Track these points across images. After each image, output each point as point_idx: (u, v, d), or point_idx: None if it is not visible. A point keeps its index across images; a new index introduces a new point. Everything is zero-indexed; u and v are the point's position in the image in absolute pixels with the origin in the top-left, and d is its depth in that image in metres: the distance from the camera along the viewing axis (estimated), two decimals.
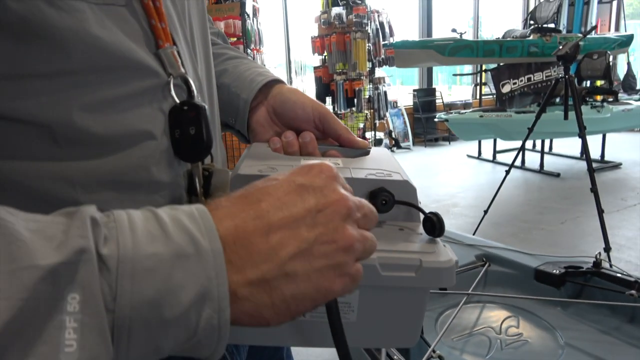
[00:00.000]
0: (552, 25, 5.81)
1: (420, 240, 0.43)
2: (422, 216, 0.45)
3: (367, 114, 4.92)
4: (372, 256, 0.36)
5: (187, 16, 0.45)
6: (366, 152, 0.55)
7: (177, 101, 0.40)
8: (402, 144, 7.40)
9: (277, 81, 0.59)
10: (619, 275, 1.06)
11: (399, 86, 9.14)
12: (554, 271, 1.10)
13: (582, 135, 2.65)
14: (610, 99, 5.36)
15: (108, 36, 0.35)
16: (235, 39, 4.24)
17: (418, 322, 0.44)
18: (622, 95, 5.99)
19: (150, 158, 0.39)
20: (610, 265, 2.59)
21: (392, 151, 6.88)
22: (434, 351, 0.86)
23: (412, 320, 0.43)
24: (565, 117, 2.90)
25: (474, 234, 3.18)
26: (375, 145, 5.25)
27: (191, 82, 0.41)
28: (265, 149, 0.53)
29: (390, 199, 0.44)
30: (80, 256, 0.24)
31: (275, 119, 0.57)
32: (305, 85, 5.73)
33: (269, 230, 0.30)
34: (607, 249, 2.56)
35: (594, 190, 2.53)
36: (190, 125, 0.40)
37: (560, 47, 2.82)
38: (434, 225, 0.43)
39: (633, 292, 0.98)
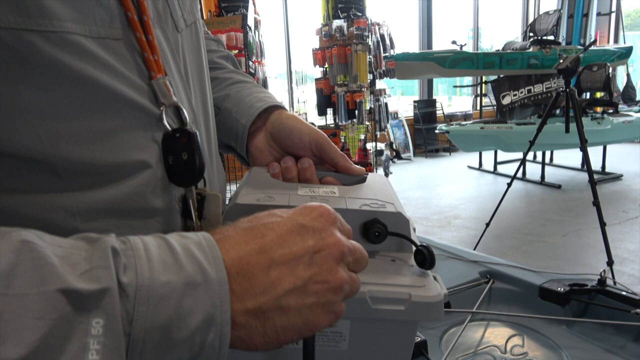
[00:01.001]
0: (551, 38, 5.85)
1: (412, 273, 0.43)
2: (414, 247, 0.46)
3: (368, 125, 4.94)
4: (363, 289, 0.39)
5: (180, 50, 0.46)
6: (363, 179, 0.56)
7: (170, 129, 0.41)
8: (403, 155, 7.41)
9: (277, 107, 0.60)
10: (623, 293, 1.05)
11: (400, 97, 9.19)
12: (559, 289, 1.10)
13: (583, 148, 2.66)
14: (611, 111, 5.38)
15: (103, 71, 0.36)
16: (237, 51, 4.27)
17: (407, 351, 0.45)
18: (622, 107, 6.02)
19: (146, 186, 0.40)
20: (614, 282, 2.58)
21: (393, 162, 6.89)
22: None
23: (401, 350, 0.44)
24: (567, 130, 2.91)
25: (475, 248, 3.18)
26: (376, 155, 5.26)
27: (183, 109, 0.42)
28: (264, 175, 0.54)
29: (383, 230, 0.45)
30: (105, 287, 0.27)
31: (274, 145, 0.58)
32: (307, 95, 5.75)
33: (270, 266, 0.32)
34: (610, 262, 2.55)
35: (596, 204, 2.53)
36: (183, 151, 0.41)
37: (561, 61, 2.83)
38: (424, 258, 0.43)
39: (638, 310, 0.97)
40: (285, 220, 0.35)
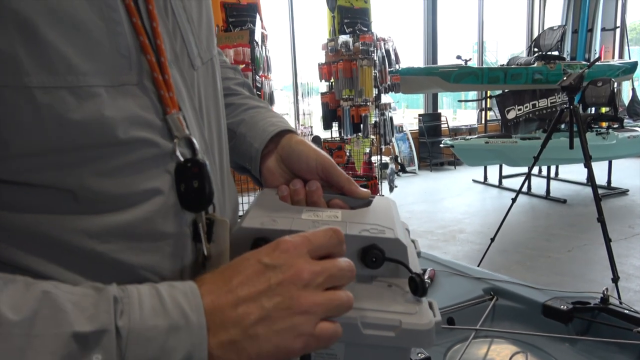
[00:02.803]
0: (556, 53, 5.89)
1: (407, 300, 0.45)
2: None
3: (373, 139, 4.96)
4: (355, 314, 0.41)
5: (195, 86, 0.49)
6: (368, 202, 0.57)
7: (182, 159, 0.44)
8: (408, 168, 7.43)
9: (288, 131, 0.63)
10: (626, 311, 1.06)
11: (405, 110, 9.23)
12: (562, 307, 1.11)
13: (587, 165, 2.67)
14: (616, 126, 5.38)
15: (122, 116, 0.39)
16: (244, 65, 4.33)
17: None
18: (627, 122, 6.02)
19: (158, 212, 0.43)
20: (620, 299, 2.57)
21: (398, 175, 6.91)
22: None
23: None
24: (571, 146, 2.92)
25: (480, 263, 3.17)
26: (381, 169, 5.28)
27: (195, 141, 0.46)
28: (273, 197, 0.56)
29: (380, 256, 0.47)
30: (105, 328, 0.33)
31: (284, 167, 0.61)
32: (312, 107, 5.79)
33: (237, 303, 0.37)
34: (615, 279, 2.54)
35: (601, 220, 2.53)
36: (194, 179, 0.45)
37: (565, 78, 2.86)
38: (417, 286, 0.45)
39: None
40: (251, 263, 0.39)
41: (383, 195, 0.67)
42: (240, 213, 0.59)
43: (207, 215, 0.47)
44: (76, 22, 0.36)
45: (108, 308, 0.33)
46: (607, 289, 1.11)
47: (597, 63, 5.89)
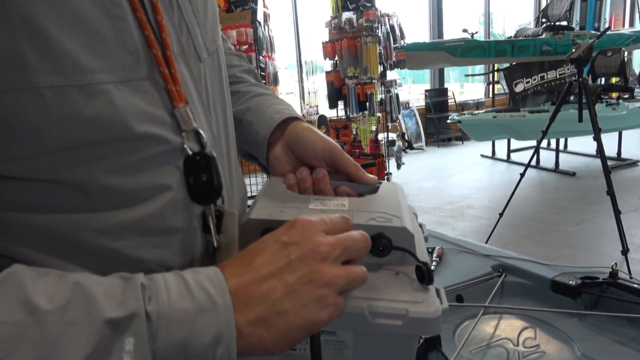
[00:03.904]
0: (564, 23, 5.76)
1: (414, 288, 0.45)
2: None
3: (379, 116, 4.93)
4: (363, 304, 0.43)
5: (202, 79, 0.49)
6: (375, 189, 0.57)
7: (190, 153, 0.45)
8: (415, 145, 7.39)
9: (294, 118, 0.63)
10: (635, 285, 1.07)
11: (411, 85, 9.13)
12: (571, 282, 1.11)
13: (597, 138, 2.64)
14: (626, 96, 5.29)
15: (131, 112, 0.39)
16: (247, 46, 4.29)
17: (409, 358, 0.48)
18: (638, 92, 5.91)
19: (168, 207, 0.44)
20: (629, 271, 2.57)
21: (405, 152, 6.88)
22: None
23: (403, 357, 0.47)
24: (580, 119, 2.89)
25: (487, 240, 3.18)
26: (388, 146, 5.25)
27: (202, 134, 0.46)
28: (280, 186, 0.56)
29: (388, 245, 0.47)
30: (135, 312, 0.34)
31: (291, 155, 0.61)
32: (317, 86, 5.74)
33: (260, 281, 0.39)
34: (625, 250, 2.54)
35: (611, 193, 2.52)
36: (202, 173, 0.45)
37: (574, 50, 2.80)
38: (423, 275, 0.45)
39: None
40: (270, 243, 0.41)
41: (391, 173, 0.67)
42: (248, 194, 0.59)
43: (216, 207, 0.48)
44: (81, 20, 0.36)
45: (137, 294, 0.34)
46: (616, 263, 1.12)
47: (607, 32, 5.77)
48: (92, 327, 0.32)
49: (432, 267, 1.17)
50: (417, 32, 8.20)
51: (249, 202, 0.61)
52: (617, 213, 2.52)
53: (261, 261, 0.40)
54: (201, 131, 0.46)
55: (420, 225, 0.60)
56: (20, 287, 0.32)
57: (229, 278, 0.38)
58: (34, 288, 0.32)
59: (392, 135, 5.45)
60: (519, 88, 5.47)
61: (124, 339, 0.33)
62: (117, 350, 0.33)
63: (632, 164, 5.49)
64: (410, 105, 7.51)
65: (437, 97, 7.81)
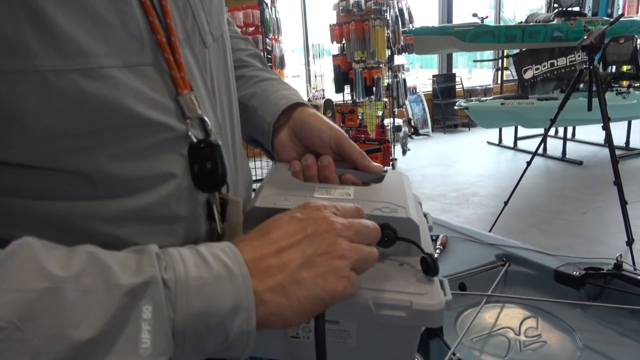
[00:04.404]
0: (577, 9, 5.65)
1: (418, 279, 0.45)
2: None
3: (385, 101, 4.89)
4: (367, 295, 0.43)
5: (207, 65, 0.48)
6: (381, 177, 0.57)
7: (195, 140, 0.44)
8: (421, 131, 7.35)
9: (300, 104, 0.62)
10: (639, 277, 1.06)
11: (419, 70, 9.04)
12: (574, 272, 1.11)
13: (606, 127, 2.61)
14: (637, 84, 5.22)
15: (135, 98, 0.39)
16: (253, 28, 4.25)
17: (411, 351, 0.48)
18: None
19: (172, 195, 0.43)
20: (633, 261, 2.56)
21: (411, 138, 6.84)
22: (453, 354, 0.88)
23: (405, 350, 0.47)
24: (589, 108, 2.85)
25: (492, 228, 3.17)
26: (394, 132, 5.23)
27: (207, 121, 0.45)
28: (285, 173, 0.56)
29: (393, 236, 0.47)
30: (151, 279, 0.33)
31: (296, 141, 0.61)
32: (324, 69, 5.70)
33: (279, 251, 0.39)
34: (630, 241, 2.53)
35: (618, 182, 2.50)
36: (207, 161, 0.45)
37: (585, 37, 2.75)
38: (428, 266, 0.45)
39: None
40: (286, 218, 0.42)
41: (396, 159, 0.66)
42: (253, 178, 0.59)
43: (221, 195, 0.47)
44: (84, 3, 0.35)
45: (152, 262, 0.34)
46: (620, 255, 1.11)
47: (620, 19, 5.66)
48: (108, 294, 0.31)
49: (436, 255, 1.17)
50: (426, 15, 8.08)
51: (255, 185, 0.61)
52: (623, 203, 2.50)
53: (278, 235, 0.40)
54: (206, 118, 0.45)
55: (425, 215, 0.60)
56: (33, 256, 0.31)
57: (243, 250, 0.38)
58: (47, 258, 0.32)
59: (399, 121, 5.42)
60: (528, 75, 5.40)
61: (142, 305, 0.32)
62: (135, 318, 0.32)
63: None
64: (417, 91, 7.44)
65: (445, 83, 7.74)
